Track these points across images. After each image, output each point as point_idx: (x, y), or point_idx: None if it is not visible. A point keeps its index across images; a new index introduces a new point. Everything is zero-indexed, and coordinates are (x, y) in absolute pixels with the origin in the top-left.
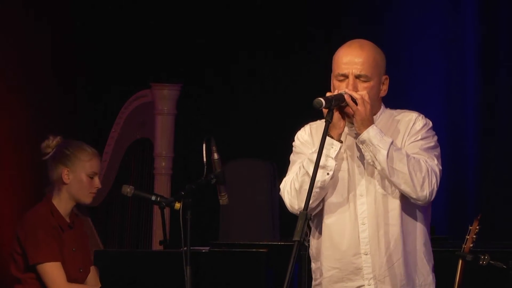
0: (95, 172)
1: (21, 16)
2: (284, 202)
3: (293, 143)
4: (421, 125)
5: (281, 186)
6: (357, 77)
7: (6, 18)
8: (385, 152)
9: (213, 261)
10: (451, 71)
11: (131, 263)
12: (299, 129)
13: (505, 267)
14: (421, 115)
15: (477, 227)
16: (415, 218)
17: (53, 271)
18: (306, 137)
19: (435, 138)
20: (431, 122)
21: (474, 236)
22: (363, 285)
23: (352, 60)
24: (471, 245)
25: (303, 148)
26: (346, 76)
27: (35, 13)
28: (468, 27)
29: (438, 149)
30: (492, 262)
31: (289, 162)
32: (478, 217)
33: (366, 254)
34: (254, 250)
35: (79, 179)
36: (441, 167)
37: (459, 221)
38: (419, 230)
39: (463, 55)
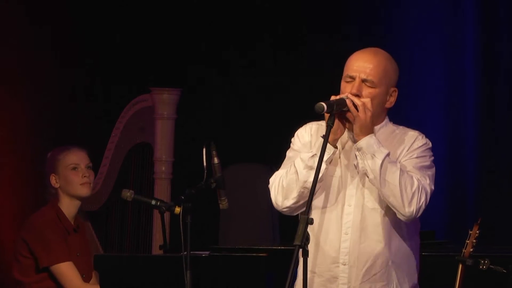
0: (75, 163)
1: (20, 17)
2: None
3: (292, 139)
4: (420, 144)
5: (271, 179)
6: (364, 81)
7: (7, 18)
8: (380, 162)
9: (213, 266)
10: (451, 76)
11: (131, 267)
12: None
13: (505, 271)
14: (422, 135)
15: (477, 231)
16: (401, 235)
17: (68, 270)
18: (307, 137)
19: (432, 158)
20: (430, 143)
21: (474, 241)
22: None
23: (363, 64)
24: (471, 249)
25: (301, 147)
26: (353, 78)
27: (35, 14)
28: (468, 32)
29: (433, 170)
30: (492, 267)
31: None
32: (478, 222)
33: (344, 265)
34: (254, 254)
35: (64, 176)
36: (433, 188)
37: (459, 225)
38: (403, 247)
39: (463, 60)
